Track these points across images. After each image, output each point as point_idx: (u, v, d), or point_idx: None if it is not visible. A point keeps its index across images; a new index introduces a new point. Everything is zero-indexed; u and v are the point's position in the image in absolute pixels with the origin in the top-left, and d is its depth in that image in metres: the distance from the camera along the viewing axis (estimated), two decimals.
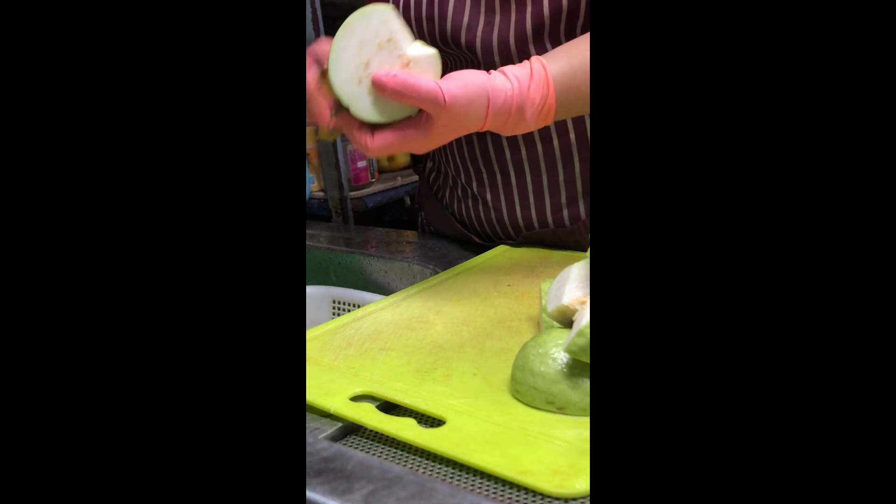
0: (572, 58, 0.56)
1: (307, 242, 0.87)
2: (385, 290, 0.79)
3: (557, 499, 0.34)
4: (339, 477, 0.36)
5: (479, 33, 0.67)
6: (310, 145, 1.67)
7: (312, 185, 1.76)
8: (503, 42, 0.66)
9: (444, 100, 0.50)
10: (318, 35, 1.52)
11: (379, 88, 0.51)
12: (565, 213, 0.74)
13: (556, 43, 0.66)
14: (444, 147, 0.81)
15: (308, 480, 0.35)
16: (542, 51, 0.66)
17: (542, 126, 0.57)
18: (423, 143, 0.54)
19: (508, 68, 0.55)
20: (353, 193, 1.71)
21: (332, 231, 0.94)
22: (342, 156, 1.65)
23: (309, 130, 1.63)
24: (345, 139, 1.69)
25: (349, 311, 0.80)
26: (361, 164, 1.76)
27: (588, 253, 0.51)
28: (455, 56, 0.71)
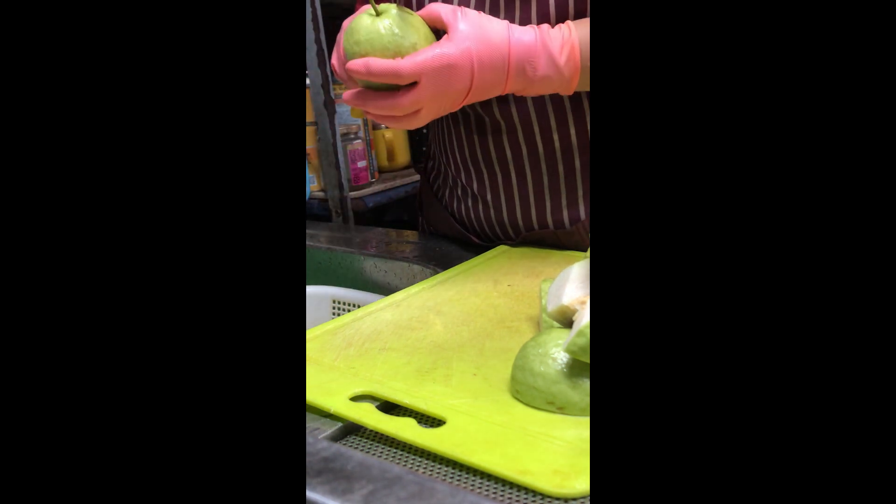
0: None
1: (307, 242, 0.87)
2: (385, 290, 0.79)
3: (557, 499, 0.34)
4: (339, 477, 0.36)
5: None
6: (310, 145, 1.67)
7: (312, 185, 1.75)
8: None
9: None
10: (318, 35, 1.51)
11: None
12: (565, 214, 0.74)
13: None
14: (444, 145, 0.81)
15: (308, 480, 0.35)
16: None
17: (574, 83, 0.60)
18: (450, 75, 0.56)
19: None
20: (353, 193, 1.71)
21: (332, 231, 0.94)
22: (342, 156, 1.65)
23: (309, 130, 1.63)
24: (344, 140, 1.69)
25: (349, 311, 0.80)
26: (361, 164, 1.76)
27: (588, 253, 0.51)
28: None
